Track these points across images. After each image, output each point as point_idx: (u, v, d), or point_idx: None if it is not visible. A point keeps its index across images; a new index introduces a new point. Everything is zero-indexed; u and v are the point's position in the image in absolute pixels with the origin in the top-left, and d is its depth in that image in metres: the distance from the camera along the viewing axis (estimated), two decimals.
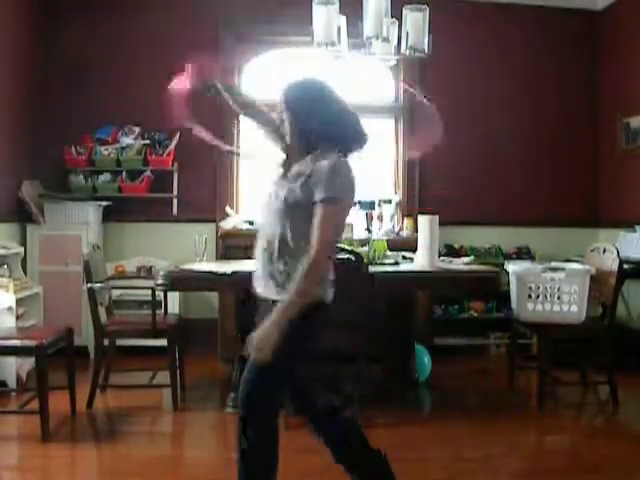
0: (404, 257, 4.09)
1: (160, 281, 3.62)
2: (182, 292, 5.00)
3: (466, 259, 4.31)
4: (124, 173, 5.30)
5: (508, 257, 5.45)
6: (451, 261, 4.23)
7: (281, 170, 2.29)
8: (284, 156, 2.32)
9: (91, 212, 5.09)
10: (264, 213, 2.27)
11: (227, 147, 2.23)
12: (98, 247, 4.16)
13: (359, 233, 5.12)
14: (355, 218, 5.31)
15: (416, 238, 3.96)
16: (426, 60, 4.54)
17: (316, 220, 2.10)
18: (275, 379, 2.18)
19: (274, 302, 2.14)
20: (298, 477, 2.58)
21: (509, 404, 4.12)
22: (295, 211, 2.15)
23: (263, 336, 2.06)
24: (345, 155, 2.26)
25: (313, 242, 2.09)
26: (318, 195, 2.12)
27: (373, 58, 4.13)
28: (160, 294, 4.05)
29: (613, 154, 5.70)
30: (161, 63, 5.40)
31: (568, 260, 4.81)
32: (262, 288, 2.26)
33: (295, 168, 2.23)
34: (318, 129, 2.20)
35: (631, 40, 5.45)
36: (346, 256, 3.48)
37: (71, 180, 5.27)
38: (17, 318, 4.14)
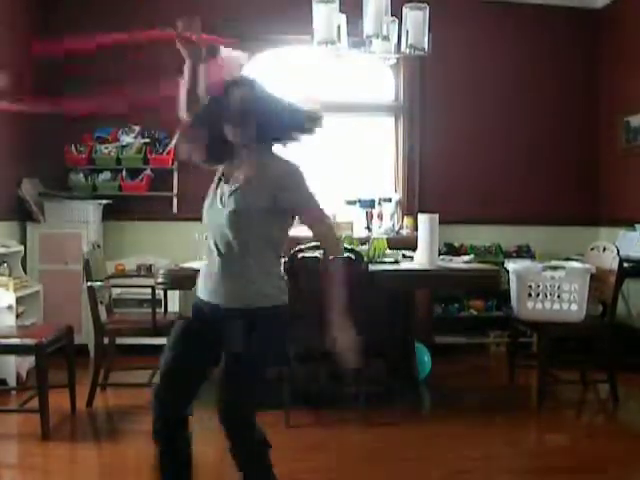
0: (404, 256, 4.09)
1: (160, 280, 3.62)
2: (182, 291, 4.99)
3: (466, 258, 4.30)
4: (124, 172, 5.30)
5: (508, 256, 5.46)
6: (451, 260, 4.22)
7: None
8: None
9: (91, 211, 5.09)
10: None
11: None
12: (98, 246, 4.16)
13: (359, 232, 5.12)
14: (355, 216, 5.32)
15: (416, 237, 3.96)
16: (426, 59, 4.54)
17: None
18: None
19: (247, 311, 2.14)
20: (304, 474, 2.59)
21: (509, 403, 4.11)
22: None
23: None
24: None
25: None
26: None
27: (373, 56, 4.14)
28: (160, 293, 4.05)
29: (613, 153, 5.69)
30: (161, 62, 5.42)
31: (568, 259, 4.81)
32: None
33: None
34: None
35: (631, 38, 5.45)
36: (346, 255, 3.48)
37: (71, 178, 5.27)
38: (17, 317, 4.14)
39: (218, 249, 2.17)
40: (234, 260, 2.15)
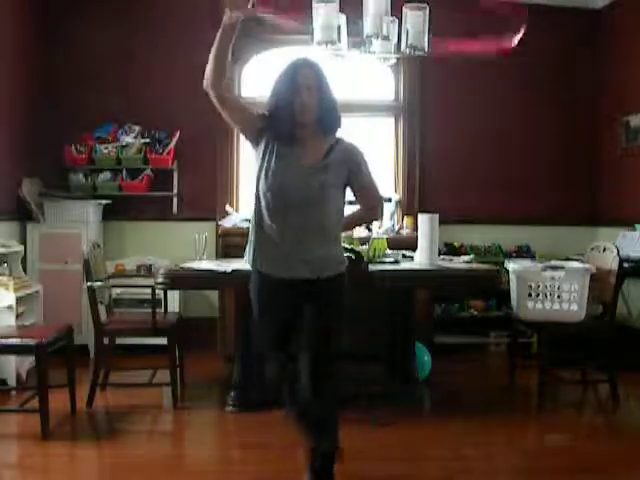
0: (404, 256, 4.09)
1: (160, 279, 3.62)
2: (182, 291, 5.00)
3: (466, 257, 4.31)
4: (124, 171, 5.30)
5: (508, 255, 5.46)
6: (451, 260, 4.22)
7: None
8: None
9: (91, 210, 5.09)
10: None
11: None
12: (98, 245, 4.17)
13: (359, 232, 5.11)
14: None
15: (416, 237, 3.96)
16: (426, 59, 4.54)
17: None
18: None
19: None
20: (304, 473, 2.58)
21: (509, 403, 4.11)
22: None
23: None
24: None
25: None
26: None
27: (373, 57, 4.14)
28: (160, 292, 4.06)
29: (613, 153, 5.69)
30: (161, 62, 5.44)
31: (568, 259, 4.81)
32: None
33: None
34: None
35: (631, 38, 5.45)
36: (346, 254, 3.48)
37: (71, 178, 5.27)
38: (17, 317, 4.14)
39: (303, 222, 2.34)
40: (319, 231, 2.39)
